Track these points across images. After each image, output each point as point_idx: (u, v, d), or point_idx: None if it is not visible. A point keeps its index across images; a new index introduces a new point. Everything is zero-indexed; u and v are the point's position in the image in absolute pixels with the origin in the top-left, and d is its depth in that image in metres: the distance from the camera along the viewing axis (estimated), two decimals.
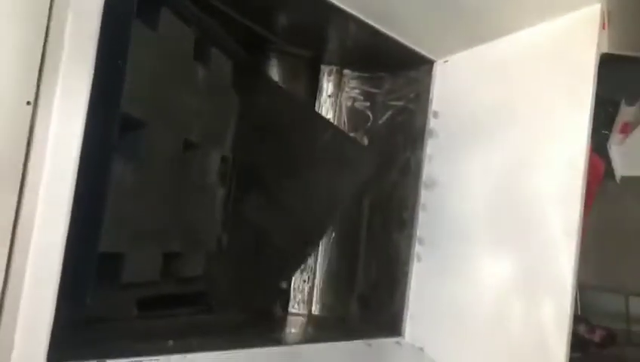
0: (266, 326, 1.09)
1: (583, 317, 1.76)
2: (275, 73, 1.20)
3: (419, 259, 1.09)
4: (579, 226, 0.88)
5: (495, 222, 0.98)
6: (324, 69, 1.25)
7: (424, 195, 1.10)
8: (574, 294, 0.88)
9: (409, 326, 1.09)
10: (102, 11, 0.58)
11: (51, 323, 0.56)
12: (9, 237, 0.60)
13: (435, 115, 1.11)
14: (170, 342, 0.79)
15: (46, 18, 0.64)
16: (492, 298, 0.97)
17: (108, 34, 0.60)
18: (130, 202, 0.80)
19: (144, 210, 0.84)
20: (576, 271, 0.87)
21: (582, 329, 1.73)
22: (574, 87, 0.90)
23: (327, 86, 1.25)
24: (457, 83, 1.09)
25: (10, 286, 0.57)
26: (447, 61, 1.11)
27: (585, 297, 1.76)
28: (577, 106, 0.89)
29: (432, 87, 1.12)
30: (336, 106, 1.26)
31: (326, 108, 1.25)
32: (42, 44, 0.64)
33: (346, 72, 1.26)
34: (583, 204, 0.88)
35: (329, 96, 1.25)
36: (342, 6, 0.93)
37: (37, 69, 0.63)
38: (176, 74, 0.89)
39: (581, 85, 0.89)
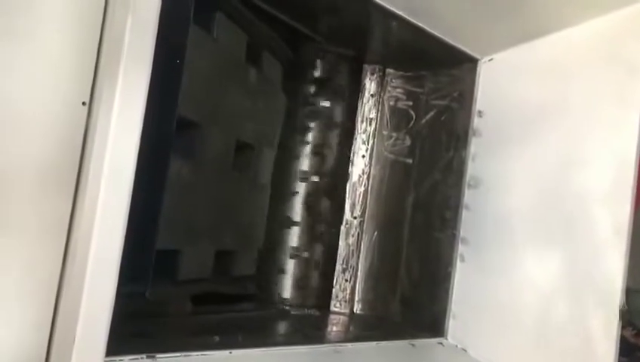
0: (309, 324, 1.09)
1: (629, 321, 1.71)
2: (318, 72, 1.20)
3: (462, 260, 1.08)
4: (629, 225, 0.85)
5: (541, 222, 0.96)
6: (367, 68, 1.25)
7: (467, 195, 1.10)
8: (623, 296, 0.86)
9: (452, 327, 1.08)
10: (159, 15, 0.59)
11: (110, 318, 0.57)
12: (65, 231, 0.62)
13: (480, 113, 1.10)
14: (217, 338, 0.80)
15: (100, 21, 0.66)
16: (537, 299, 0.95)
17: (166, 37, 0.62)
18: (185, 201, 0.82)
19: (199, 208, 0.86)
20: (626, 272, 0.85)
21: (628, 333, 1.68)
22: (625, 84, 0.88)
23: (370, 85, 1.25)
24: (503, 81, 1.07)
25: (71, 281, 0.59)
26: (492, 59, 1.10)
27: (631, 300, 1.71)
28: (628, 103, 0.87)
29: (476, 85, 1.11)
30: (379, 105, 1.25)
31: (369, 107, 1.25)
32: (97, 46, 0.65)
33: (389, 71, 1.26)
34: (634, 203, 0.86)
35: (372, 95, 1.25)
36: (385, 4, 0.93)
37: (92, 70, 0.65)
38: (230, 76, 0.90)
39: (632, 82, 0.87)
